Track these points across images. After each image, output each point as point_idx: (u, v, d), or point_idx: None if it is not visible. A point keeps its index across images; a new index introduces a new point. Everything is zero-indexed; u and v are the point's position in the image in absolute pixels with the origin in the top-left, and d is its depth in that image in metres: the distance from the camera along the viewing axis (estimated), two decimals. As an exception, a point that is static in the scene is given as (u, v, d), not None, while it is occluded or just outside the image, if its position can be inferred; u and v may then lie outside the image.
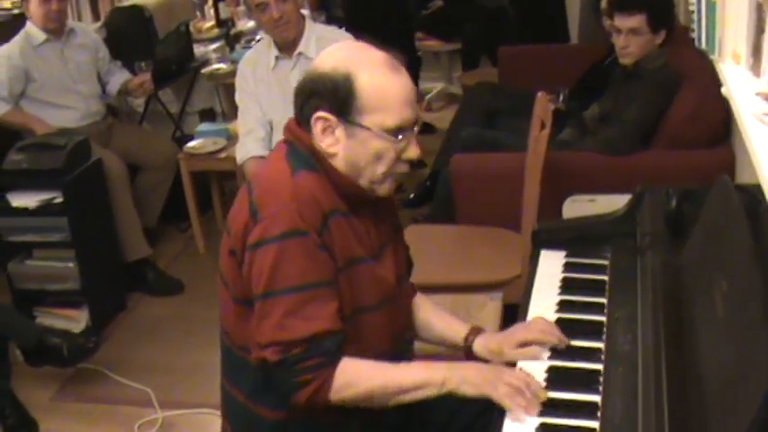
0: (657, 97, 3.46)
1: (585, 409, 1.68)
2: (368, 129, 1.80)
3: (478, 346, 2.01)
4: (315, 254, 1.77)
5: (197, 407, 3.28)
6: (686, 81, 3.43)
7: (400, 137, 1.82)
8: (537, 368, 1.83)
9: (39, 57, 4.28)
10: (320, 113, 1.81)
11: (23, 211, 3.74)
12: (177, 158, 4.44)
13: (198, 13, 6.13)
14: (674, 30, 3.55)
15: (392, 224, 2.04)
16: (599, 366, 1.81)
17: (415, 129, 1.87)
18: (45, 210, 3.73)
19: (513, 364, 1.89)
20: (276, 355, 1.76)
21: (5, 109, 4.19)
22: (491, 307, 2.82)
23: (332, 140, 1.83)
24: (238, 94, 3.69)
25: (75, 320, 3.83)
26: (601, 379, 1.76)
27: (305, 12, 3.95)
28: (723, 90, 2.33)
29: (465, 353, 2.04)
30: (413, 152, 1.87)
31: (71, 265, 3.79)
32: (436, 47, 6.72)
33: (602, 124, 3.68)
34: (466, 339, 2.04)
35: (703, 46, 2.61)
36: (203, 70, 5.42)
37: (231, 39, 5.90)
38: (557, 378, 1.79)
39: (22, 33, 4.29)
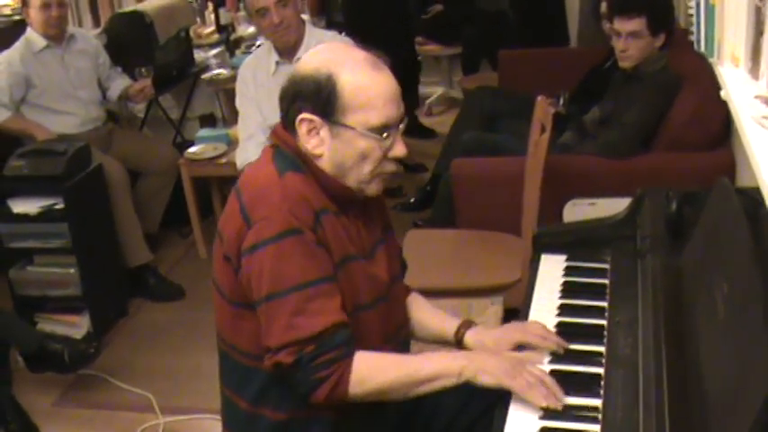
0: (657, 100, 3.46)
1: (586, 413, 1.68)
2: (352, 128, 1.80)
3: (470, 339, 2.01)
4: (312, 251, 1.77)
5: (198, 412, 3.28)
6: (686, 84, 3.43)
7: (385, 135, 1.82)
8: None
9: (39, 63, 4.28)
10: (304, 115, 1.82)
11: (24, 218, 3.74)
12: (178, 164, 4.45)
13: (198, 19, 6.13)
14: (673, 33, 3.55)
15: (382, 223, 2.04)
16: (600, 370, 1.81)
17: (401, 126, 1.86)
18: (46, 216, 3.74)
19: None
20: (290, 356, 1.75)
21: (6, 115, 4.19)
22: (492, 311, 2.82)
23: (317, 141, 1.83)
24: (239, 100, 3.70)
25: (77, 326, 3.83)
26: (602, 382, 1.76)
27: (305, 17, 3.95)
28: (722, 93, 2.33)
29: (457, 347, 2.03)
30: (399, 150, 1.86)
31: (72, 270, 3.79)
32: (436, 51, 6.72)
33: (603, 127, 3.68)
34: (457, 333, 2.03)
35: (702, 49, 2.61)
36: (204, 76, 5.43)
37: (231, 44, 5.90)
38: (558, 382, 1.78)
39: (22, 40, 4.30)
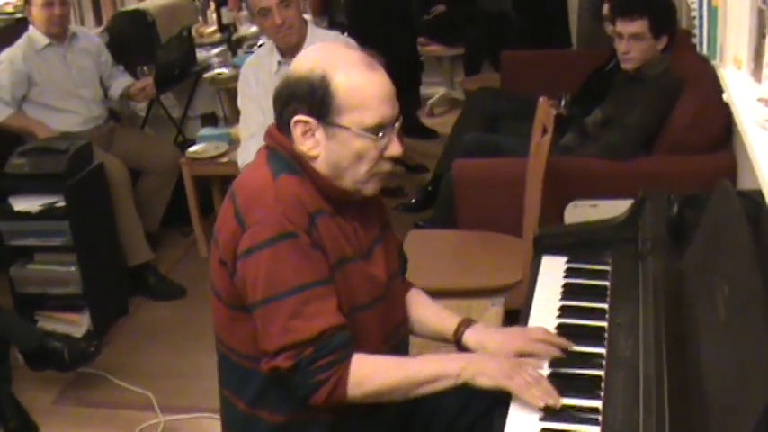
0: (659, 103, 3.46)
1: (587, 415, 1.68)
2: (347, 129, 1.79)
3: (470, 339, 2.00)
4: (308, 253, 1.77)
5: (198, 411, 3.28)
6: (688, 86, 3.43)
7: (381, 134, 1.81)
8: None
9: (41, 61, 4.29)
10: (299, 117, 1.81)
11: (25, 215, 3.74)
12: (179, 163, 4.45)
13: (200, 18, 6.13)
14: (675, 35, 3.55)
15: (380, 221, 2.03)
16: (600, 372, 1.81)
17: (396, 125, 1.86)
18: (47, 214, 3.74)
19: None
20: (288, 360, 1.75)
21: (8, 113, 4.20)
22: (492, 312, 2.82)
23: (312, 143, 1.83)
24: (240, 99, 3.69)
25: (77, 324, 3.83)
26: (602, 384, 1.76)
27: (307, 17, 3.95)
28: (724, 96, 2.33)
29: (456, 346, 2.03)
30: (395, 149, 1.85)
31: (73, 269, 3.79)
32: (438, 52, 6.72)
33: (604, 129, 3.68)
34: (456, 332, 2.02)
35: (705, 51, 2.61)
36: (205, 75, 5.43)
37: (233, 43, 5.91)
38: (558, 384, 1.78)
39: (24, 38, 4.30)
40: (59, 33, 4.32)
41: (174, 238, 4.85)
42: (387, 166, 1.88)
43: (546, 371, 1.84)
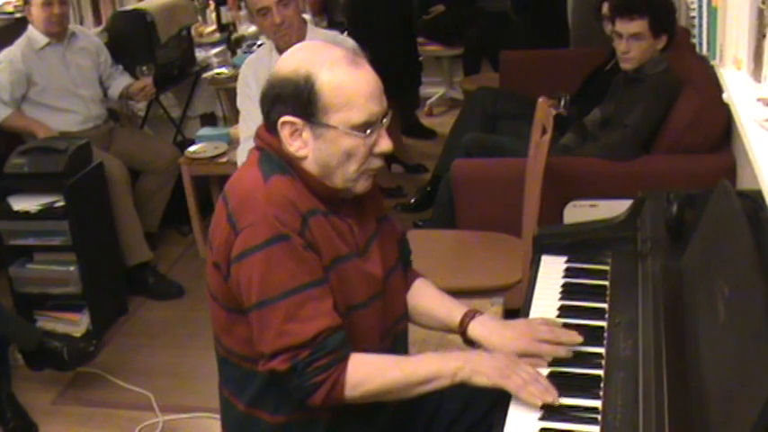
0: (659, 102, 3.46)
1: (586, 414, 1.68)
2: (335, 128, 1.78)
3: (475, 331, 1.99)
4: (301, 255, 1.76)
5: (198, 411, 3.29)
6: (687, 86, 3.43)
7: (369, 132, 1.80)
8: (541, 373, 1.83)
9: (40, 60, 4.29)
10: (285, 118, 1.80)
11: (25, 215, 3.74)
12: (178, 163, 4.45)
13: (199, 18, 6.12)
14: (675, 35, 3.55)
15: (377, 215, 2.02)
16: (599, 372, 1.81)
17: (385, 121, 1.84)
18: (46, 213, 3.74)
19: None
20: (284, 363, 1.75)
21: (7, 113, 4.20)
22: (492, 312, 2.81)
23: (300, 143, 1.82)
24: (240, 99, 3.69)
25: (76, 324, 3.83)
26: (601, 384, 1.76)
27: (306, 17, 3.95)
28: (724, 96, 2.33)
29: (461, 337, 2.02)
30: (384, 145, 1.84)
31: (72, 268, 3.79)
32: (438, 51, 6.72)
33: (604, 129, 3.68)
34: (461, 322, 2.01)
35: (704, 51, 2.61)
36: (205, 74, 5.42)
37: (233, 43, 5.90)
38: (557, 383, 1.78)
39: (23, 37, 4.30)
40: (59, 33, 4.32)
41: (174, 238, 4.85)
42: (377, 163, 1.87)
43: (545, 370, 1.84)
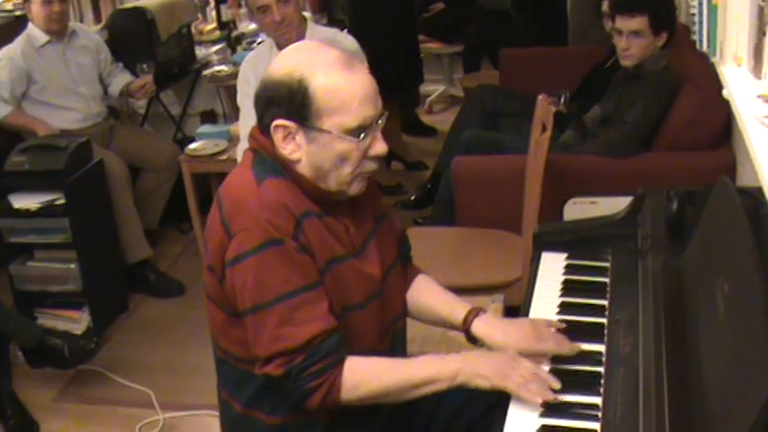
0: (659, 99, 3.46)
1: (586, 411, 1.68)
2: (328, 132, 1.76)
3: (478, 328, 1.98)
4: (295, 259, 1.75)
5: (198, 408, 3.29)
6: (687, 83, 3.43)
7: (362, 136, 1.78)
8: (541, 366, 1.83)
9: (40, 58, 4.29)
10: (279, 121, 1.78)
11: (25, 213, 3.74)
12: (178, 160, 4.44)
13: (199, 15, 6.13)
14: (675, 32, 3.55)
15: (374, 213, 2.01)
16: (600, 368, 1.81)
17: (380, 122, 1.82)
18: (46, 211, 3.74)
19: None
20: (280, 368, 1.75)
21: (7, 110, 4.20)
22: (492, 309, 2.81)
23: (293, 147, 1.80)
24: (240, 96, 3.69)
25: (77, 322, 3.83)
26: (602, 381, 1.76)
27: (306, 14, 3.95)
28: (724, 92, 2.33)
29: (465, 335, 2.02)
30: (379, 148, 1.82)
31: (72, 266, 3.79)
32: (438, 49, 6.72)
33: (604, 126, 3.68)
34: (465, 320, 2.00)
35: (705, 48, 2.62)
36: (205, 72, 5.42)
37: (233, 41, 5.90)
38: (558, 380, 1.78)
39: (23, 35, 4.30)
40: (59, 30, 4.32)
41: (174, 236, 4.86)
42: (371, 166, 1.85)
43: (546, 367, 1.84)
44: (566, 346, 1.87)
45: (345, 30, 4.58)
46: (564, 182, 3.34)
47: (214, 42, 5.89)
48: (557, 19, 5.80)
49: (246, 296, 1.76)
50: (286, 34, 3.47)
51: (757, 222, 1.78)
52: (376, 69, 3.63)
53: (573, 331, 1.94)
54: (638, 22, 3.44)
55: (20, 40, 4.28)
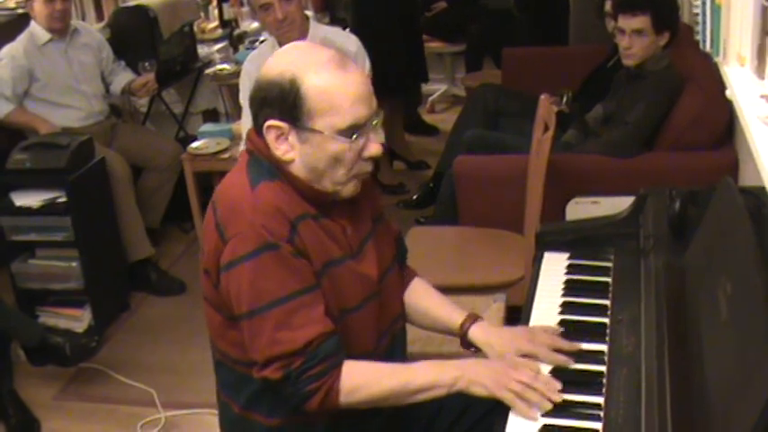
0: (661, 99, 3.46)
1: (588, 411, 1.68)
2: (320, 132, 1.75)
3: (475, 334, 1.99)
4: (290, 263, 1.74)
5: (200, 407, 3.29)
6: (690, 83, 3.43)
7: (355, 136, 1.77)
8: (542, 370, 1.83)
9: (43, 56, 4.29)
10: (271, 122, 1.77)
11: (27, 211, 3.74)
12: (180, 159, 4.44)
13: (202, 14, 6.13)
14: (678, 31, 3.55)
15: (372, 214, 2.00)
16: (602, 368, 1.81)
17: (374, 123, 1.81)
18: (48, 209, 3.74)
19: None
20: (278, 372, 1.75)
21: (9, 108, 4.20)
22: (494, 309, 2.81)
23: (286, 147, 1.79)
24: (242, 95, 3.69)
25: (78, 320, 3.83)
26: (604, 381, 1.76)
27: (308, 13, 3.95)
28: (727, 92, 2.33)
29: (460, 340, 2.02)
30: (373, 149, 1.81)
31: (74, 264, 3.79)
32: (440, 48, 6.72)
33: (606, 126, 3.68)
34: (462, 326, 2.01)
35: (708, 48, 2.61)
36: (207, 71, 5.43)
37: (235, 39, 5.90)
38: (560, 379, 1.78)
39: (26, 33, 4.30)
40: (61, 29, 4.32)
41: (176, 234, 4.86)
42: (367, 167, 1.84)
43: (547, 367, 1.83)
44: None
45: (347, 29, 4.58)
46: (566, 181, 3.34)
47: (216, 41, 5.90)
48: (559, 18, 5.80)
49: (242, 301, 1.76)
50: (288, 32, 3.47)
51: (759, 222, 1.78)
52: (378, 68, 3.66)
53: (575, 331, 1.94)
54: (641, 22, 3.43)
55: (22, 38, 4.28)
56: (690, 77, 3.44)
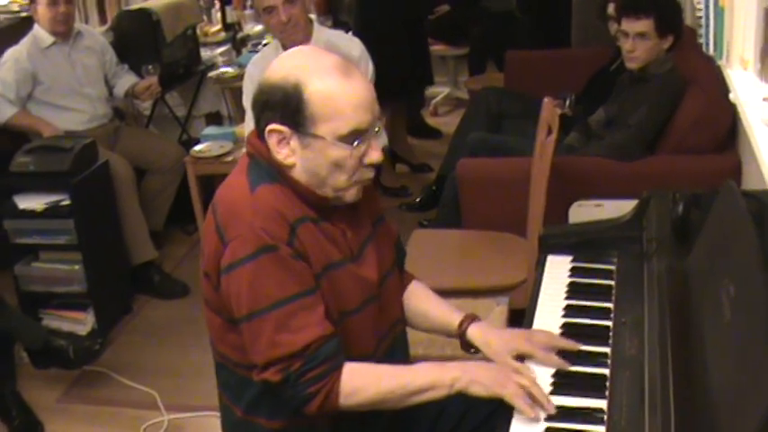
0: (664, 102, 3.46)
1: (592, 414, 1.68)
2: (322, 138, 1.75)
3: (473, 333, 1.99)
4: (290, 265, 1.75)
5: (203, 410, 3.28)
6: (693, 86, 3.43)
7: (357, 143, 1.77)
8: (543, 372, 1.83)
9: (46, 59, 4.29)
10: (273, 126, 1.78)
11: (30, 214, 3.75)
12: (184, 162, 4.45)
13: (205, 17, 6.14)
14: (681, 34, 3.55)
15: (372, 217, 2.00)
16: (605, 371, 1.81)
17: (376, 130, 1.81)
18: (52, 212, 3.74)
19: None
20: (277, 375, 1.75)
21: (13, 111, 4.20)
22: (497, 312, 2.82)
23: (288, 152, 1.79)
24: (246, 98, 3.70)
25: (82, 323, 3.84)
26: (607, 384, 1.76)
27: (311, 16, 3.96)
28: (731, 96, 2.33)
29: (460, 341, 2.02)
30: (374, 156, 1.81)
31: (77, 267, 3.80)
32: (443, 51, 6.72)
33: (608, 129, 3.68)
34: (460, 326, 2.01)
35: (711, 51, 2.62)
36: (210, 74, 5.43)
37: (238, 42, 5.91)
38: (563, 382, 1.78)
39: (29, 36, 4.31)
40: (64, 32, 4.33)
41: (179, 237, 4.86)
42: (368, 174, 1.84)
43: (551, 370, 1.83)
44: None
45: (350, 32, 4.58)
46: (569, 184, 3.34)
47: (219, 44, 5.91)
48: (561, 21, 5.80)
49: (242, 303, 1.76)
50: (292, 35, 3.48)
51: (762, 225, 1.77)
52: (381, 72, 3.66)
53: (578, 334, 1.94)
54: (644, 25, 3.44)
55: (25, 42, 4.29)
56: (693, 80, 3.44)
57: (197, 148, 4.46)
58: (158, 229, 4.63)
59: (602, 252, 2.27)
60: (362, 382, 1.79)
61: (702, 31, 2.77)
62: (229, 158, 4.33)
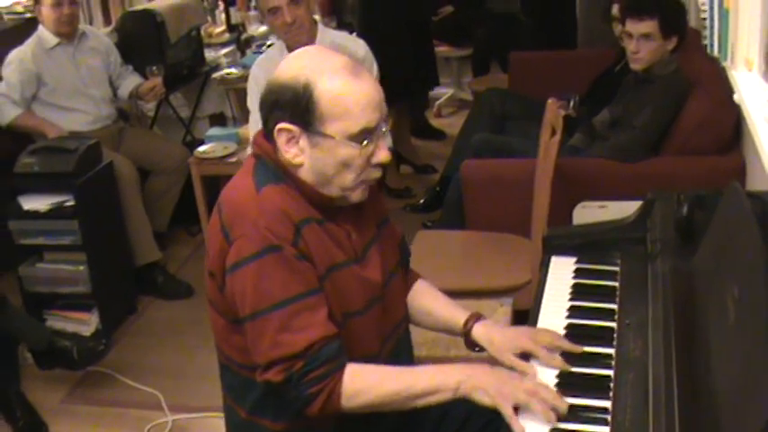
0: (668, 103, 3.46)
1: (596, 415, 1.68)
2: (331, 137, 1.76)
3: (478, 332, 1.99)
4: (294, 265, 1.75)
5: (207, 410, 3.28)
6: (697, 87, 3.43)
7: (365, 142, 1.78)
8: (548, 373, 1.83)
9: (50, 60, 4.30)
10: (282, 125, 1.78)
11: (34, 215, 3.75)
12: (188, 163, 4.45)
13: (209, 18, 6.14)
14: (685, 36, 3.55)
15: (377, 219, 2.00)
16: (609, 372, 1.81)
17: (383, 130, 1.82)
18: (56, 213, 3.75)
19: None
20: (279, 374, 1.75)
21: (17, 112, 4.21)
22: (501, 313, 2.82)
23: (296, 151, 1.80)
24: (250, 99, 3.70)
25: (86, 323, 3.84)
26: (611, 385, 1.76)
27: (315, 17, 3.96)
28: (735, 97, 2.33)
29: (464, 339, 2.02)
30: (382, 156, 1.82)
31: (82, 268, 3.80)
32: (446, 52, 6.72)
33: (613, 130, 3.68)
34: (465, 324, 2.01)
35: (716, 53, 2.61)
36: (214, 75, 5.43)
37: (242, 43, 5.91)
38: (567, 383, 1.78)
39: (34, 37, 4.32)
40: (69, 33, 4.33)
41: (183, 238, 4.87)
42: (375, 173, 1.85)
43: (555, 371, 1.83)
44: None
45: (354, 33, 4.58)
46: (573, 186, 3.34)
47: (223, 45, 5.91)
48: (566, 22, 5.80)
49: (246, 303, 1.76)
50: (297, 36, 3.48)
51: (767, 227, 1.77)
52: (384, 73, 3.66)
53: (582, 335, 1.94)
54: (649, 26, 3.44)
55: (30, 43, 4.30)
56: (697, 82, 3.44)
57: (201, 148, 4.47)
58: (162, 230, 4.64)
59: (607, 253, 2.27)
60: (365, 383, 1.78)
61: (707, 32, 2.77)
62: (233, 159, 4.33)
